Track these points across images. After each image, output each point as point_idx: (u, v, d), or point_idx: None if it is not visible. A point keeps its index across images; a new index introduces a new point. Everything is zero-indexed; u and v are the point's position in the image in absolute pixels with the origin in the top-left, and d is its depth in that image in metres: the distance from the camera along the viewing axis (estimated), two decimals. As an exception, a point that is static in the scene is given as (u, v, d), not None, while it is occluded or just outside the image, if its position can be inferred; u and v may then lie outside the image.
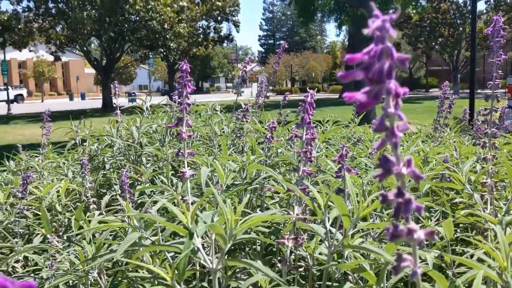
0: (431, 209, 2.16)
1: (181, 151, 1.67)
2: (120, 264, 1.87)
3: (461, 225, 2.11)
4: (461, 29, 39.02)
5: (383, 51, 0.58)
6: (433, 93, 41.39)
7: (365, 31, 0.58)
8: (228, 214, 1.10)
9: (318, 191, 1.33)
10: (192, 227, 1.12)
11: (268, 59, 65.39)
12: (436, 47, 41.35)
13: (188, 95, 1.71)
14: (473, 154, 2.42)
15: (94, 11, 25.99)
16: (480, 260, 1.31)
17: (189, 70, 1.73)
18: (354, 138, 3.47)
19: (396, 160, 0.63)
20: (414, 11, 27.01)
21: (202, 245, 1.41)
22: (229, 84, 77.72)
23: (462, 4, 40.36)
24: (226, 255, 1.61)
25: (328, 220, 1.27)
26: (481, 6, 41.73)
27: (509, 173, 1.55)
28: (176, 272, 1.04)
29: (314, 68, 59.30)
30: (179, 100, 1.70)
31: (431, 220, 1.86)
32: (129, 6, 26.22)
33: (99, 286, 1.74)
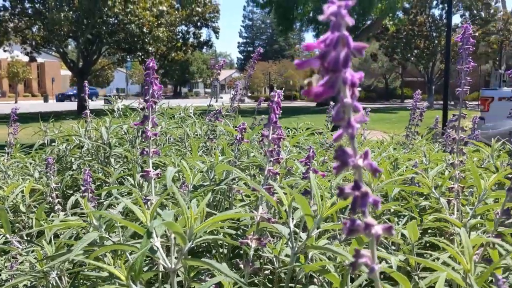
0: (400, 214, 2.17)
1: (145, 150, 1.63)
2: (82, 265, 1.81)
3: (429, 230, 2.12)
4: (436, 41, 39.86)
5: (339, 39, 0.56)
6: (408, 103, 42.12)
7: (320, 17, 0.56)
8: (187, 212, 1.07)
9: (284, 192, 1.31)
10: (150, 225, 1.08)
11: (247, 66, 65.46)
12: (412, 58, 42.10)
13: (155, 93, 1.67)
14: (442, 161, 2.45)
15: (71, 12, 25.61)
16: (445, 264, 1.30)
17: (155, 68, 1.69)
18: (327, 143, 3.49)
19: (353, 152, 0.61)
20: (391, 23, 27.53)
21: (166, 246, 1.37)
22: (208, 90, 77.51)
23: (438, 17, 41.29)
24: (190, 257, 1.57)
25: (293, 221, 1.25)
26: (456, 19, 42.79)
27: (475, 177, 1.56)
28: (132, 271, 1.00)
29: (292, 77, 59.66)
30: (145, 98, 1.66)
31: (399, 224, 1.85)
32: (107, 9, 25.91)
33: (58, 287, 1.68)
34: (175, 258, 1.11)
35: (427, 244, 1.97)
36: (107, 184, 2.75)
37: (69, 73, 41.21)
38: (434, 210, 1.93)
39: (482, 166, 2.54)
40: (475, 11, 39.54)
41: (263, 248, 1.36)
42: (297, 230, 1.25)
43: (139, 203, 1.16)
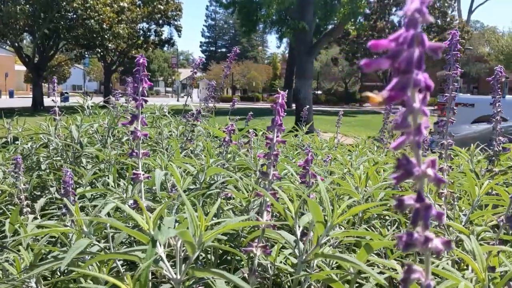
0: (385, 218, 2.17)
1: (135, 151, 1.54)
2: (64, 271, 1.70)
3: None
4: (395, 47, 40.86)
5: (415, 38, 0.52)
6: (367, 107, 43.02)
7: (401, 12, 0.51)
8: (197, 219, 1.00)
9: (289, 198, 1.26)
10: (155, 233, 1.01)
11: (209, 65, 65.10)
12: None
13: (145, 91, 1.59)
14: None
15: (28, 6, 24.65)
16: (446, 270, 1.29)
17: (146, 64, 1.61)
18: (303, 146, 3.47)
19: (417, 162, 0.57)
20: (353, 27, 28.04)
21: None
22: (169, 89, 76.50)
23: (397, 24, 42.41)
24: (194, 267, 1.50)
25: (299, 228, 1.20)
26: (413, 27, 43.88)
27: (470, 184, 1.56)
28: (137, 284, 0.93)
29: (255, 78, 59.85)
30: (135, 96, 1.57)
31: (388, 230, 1.85)
32: (66, 3, 25.11)
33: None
34: (181, 268, 1.04)
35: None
36: (77, 185, 2.62)
37: (24, 68, 39.62)
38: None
39: (460, 171, 2.58)
40: (432, 19, 40.89)
41: (264, 255, 1.31)
42: (303, 238, 1.21)
43: (141, 207, 1.09)
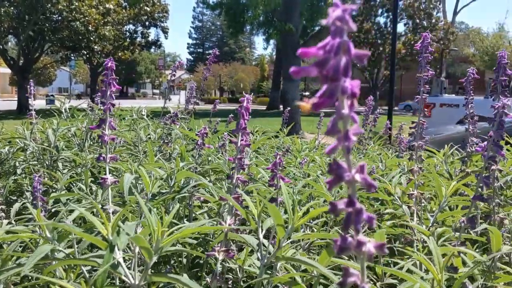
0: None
1: (102, 155, 1.53)
2: (30, 278, 1.69)
3: (386, 236, 2.14)
4: (381, 48, 41.18)
5: (341, 46, 0.53)
6: (358, 109, 43.15)
7: (324, 22, 0.52)
8: (154, 225, 1.00)
9: (252, 201, 1.26)
10: (113, 239, 1.01)
11: (196, 67, 64.96)
12: (358, 65, 43.23)
13: (113, 95, 1.58)
14: (397, 166, 2.49)
15: (12, 8, 24.38)
16: (409, 271, 1.30)
17: (114, 68, 1.60)
18: (283, 148, 3.47)
19: (348, 166, 0.58)
20: (339, 29, 28.13)
21: (124, 259, 1.29)
22: (156, 91, 76.17)
23: (383, 25, 42.67)
24: (153, 272, 1.49)
25: (262, 231, 1.21)
26: (400, 28, 44.27)
27: (437, 185, 1.58)
28: (93, 290, 0.92)
29: (242, 79, 59.85)
30: (103, 100, 1.56)
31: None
32: (51, 5, 24.88)
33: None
34: (139, 273, 1.04)
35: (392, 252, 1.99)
36: (54, 190, 2.60)
37: (8, 71, 39.14)
38: (392, 216, 1.95)
39: (436, 170, 2.61)
40: (417, 20, 41.25)
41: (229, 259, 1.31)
42: (265, 241, 1.21)
43: (100, 213, 1.08)
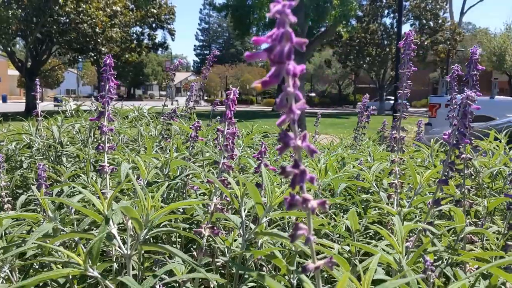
0: (346, 209, 2.29)
1: (101, 145, 1.66)
2: (33, 262, 1.81)
3: (375, 224, 2.25)
4: (387, 49, 41.21)
5: (284, 35, 0.65)
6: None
7: (267, 15, 0.64)
8: (144, 200, 1.12)
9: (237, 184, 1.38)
10: (108, 213, 1.13)
11: (203, 68, 65.17)
12: (364, 65, 43.35)
13: (111, 89, 1.70)
14: (386, 160, 2.60)
15: (20, 10, 24.69)
16: (384, 251, 1.41)
17: (112, 64, 1.73)
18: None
19: (294, 135, 0.70)
20: (345, 30, 28.26)
21: (119, 236, 1.41)
22: (163, 92, 76.57)
23: (389, 26, 42.69)
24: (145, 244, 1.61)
25: (244, 211, 1.33)
26: (406, 28, 44.33)
27: (412, 172, 1.69)
28: (89, 256, 1.04)
29: (248, 81, 60.01)
30: (101, 94, 1.69)
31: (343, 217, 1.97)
32: (58, 7, 25.19)
33: (10, 283, 1.67)
34: (131, 244, 1.16)
35: (372, 237, 2.09)
36: (58, 183, 2.73)
37: (17, 73, 39.59)
38: (378, 205, 2.06)
39: (425, 165, 2.72)
40: (424, 21, 41.23)
41: (216, 239, 1.43)
42: (252, 225, 1.33)
43: (98, 193, 1.21)
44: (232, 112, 1.46)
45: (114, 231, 1.15)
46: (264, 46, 0.66)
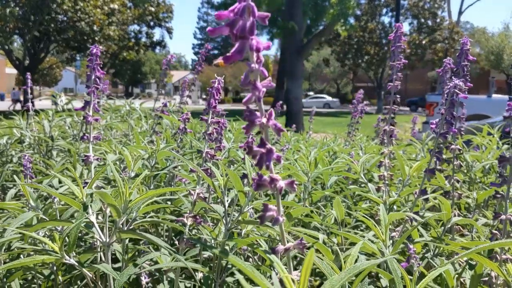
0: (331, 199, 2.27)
1: (86, 135, 1.64)
2: (19, 255, 1.80)
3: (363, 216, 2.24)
4: (386, 48, 41.16)
5: (246, 8, 0.63)
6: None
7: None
8: (122, 187, 1.11)
9: (220, 174, 1.37)
10: (86, 200, 1.12)
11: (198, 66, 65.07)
12: (362, 64, 43.31)
13: (97, 79, 1.69)
14: (377, 153, 2.59)
15: (18, 8, 24.62)
16: (369, 240, 1.40)
17: (99, 54, 1.71)
18: (273, 140, 3.58)
19: (260, 113, 0.68)
20: (343, 28, 28.22)
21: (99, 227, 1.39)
22: (161, 90, 76.34)
23: (388, 25, 42.65)
24: (130, 241, 1.60)
25: (227, 200, 1.31)
26: (405, 27, 44.18)
27: (400, 164, 1.68)
28: (65, 243, 1.03)
29: (246, 79, 59.98)
30: (87, 84, 1.67)
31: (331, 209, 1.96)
32: (56, 5, 25.12)
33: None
34: (109, 232, 1.15)
35: (363, 230, 2.08)
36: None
37: (15, 71, 39.51)
38: (363, 193, 2.05)
39: (417, 159, 2.71)
40: (422, 20, 41.21)
41: (203, 230, 1.41)
42: (236, 214, 1.31)
43: (78, 182, 1.19)
44: (216, 100, 1.44)
45: (93, 218, 1.13)
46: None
